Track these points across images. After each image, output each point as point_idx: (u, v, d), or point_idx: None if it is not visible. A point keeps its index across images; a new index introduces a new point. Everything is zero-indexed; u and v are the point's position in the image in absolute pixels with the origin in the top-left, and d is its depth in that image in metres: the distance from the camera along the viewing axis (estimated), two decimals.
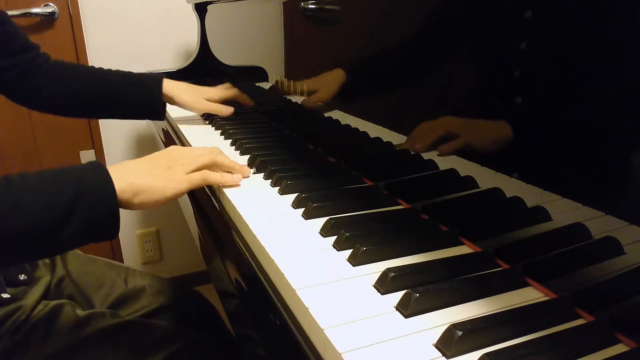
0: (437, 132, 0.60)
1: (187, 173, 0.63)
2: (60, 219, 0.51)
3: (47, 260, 0.86)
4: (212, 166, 0.67)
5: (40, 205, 0.51)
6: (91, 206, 0.53)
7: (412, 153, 0.63)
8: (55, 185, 0.53)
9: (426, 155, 0.62)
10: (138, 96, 0.98)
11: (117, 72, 1.01)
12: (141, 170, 0.61)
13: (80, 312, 0.76)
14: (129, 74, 1.01)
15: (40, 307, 0.74)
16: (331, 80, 0.79)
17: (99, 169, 0.56)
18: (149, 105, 0.99)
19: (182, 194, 0.63)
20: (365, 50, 0.75)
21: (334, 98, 0.80)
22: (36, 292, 0.76)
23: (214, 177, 0.66)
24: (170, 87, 1.00)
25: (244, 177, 0.70)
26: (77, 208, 0.52)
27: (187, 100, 1.01)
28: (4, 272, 0.75)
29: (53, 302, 0.76)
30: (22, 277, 0.77)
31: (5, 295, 0.72)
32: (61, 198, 0.52)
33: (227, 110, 1.03)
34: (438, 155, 0.60)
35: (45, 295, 0.78)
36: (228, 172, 0.68)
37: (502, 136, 0.52)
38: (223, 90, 1.08)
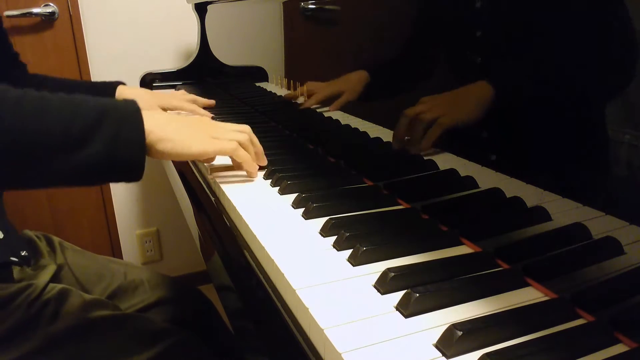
0: (419, 116, 0.59)
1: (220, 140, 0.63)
2: (85, 130, 0.49)
3: (49, 248, 0.88)
4: (243, 146, 0.65)
5: (67, 113, 0.49)
6: (118, 125, 0.51)
7: (412, 153, 0.63)
8: (86, 100, 0.52)
9: (426, 155, 0.62)
10: None
11: (76, 82, 1.02)
12: (174, 120, 0.60)
13: (86, 297, 0.78)
14: (85, 82, 1.02)
15: (48, 288, 0.76)
16: (356, 81, 0.77)
17: (131, 103, 0.55)
18: None
19: (206, 154, 0.62)
20: (364, 50, 0.75)
21: (359, 100, 0.77)
22: (46, 275, 0.77)
23: (243, 154, 0.64)
24: (124, 93, 0.99)
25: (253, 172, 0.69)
26: (104, 123, 0.50)
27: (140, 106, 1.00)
28: (9, 243, 0.76)
29: (59, 286, 0.78)
30: (23, 253, 0.78)
31: (13, 258, 0.74)
32: (89, 110, 0.50)
33: None
34: (427, 143, 0.60)
35: (53, 280, 0.80)
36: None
37: (484, 96, 0.51)
38: (181, 101, 1.06)
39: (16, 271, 0.76)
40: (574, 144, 0.44)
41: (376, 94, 0.73)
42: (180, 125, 0.60)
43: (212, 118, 1.06)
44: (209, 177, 0.72)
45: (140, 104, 0.98)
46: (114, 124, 0.51)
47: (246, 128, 0.68)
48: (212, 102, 1.11)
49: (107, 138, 0.51)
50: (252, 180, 0.69)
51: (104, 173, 0.52)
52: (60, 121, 0.49)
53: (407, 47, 0.65)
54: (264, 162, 0.70)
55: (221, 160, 0.72)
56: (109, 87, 0.98)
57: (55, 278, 0.84)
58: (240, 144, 0.64)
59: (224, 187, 0.66)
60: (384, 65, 0.71)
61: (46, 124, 0.48)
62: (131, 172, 0.54)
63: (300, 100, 0.92)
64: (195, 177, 0.79)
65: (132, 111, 0.54)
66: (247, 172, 0.68)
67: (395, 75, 0.69)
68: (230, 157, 0.66)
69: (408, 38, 0.65)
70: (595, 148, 0.42)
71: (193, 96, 1.09)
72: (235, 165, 0.69)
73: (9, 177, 0.50)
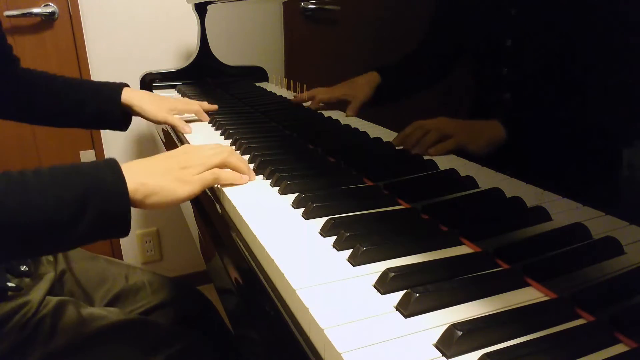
0: (429, 132, 0.60)
1: (200, 173, 0.63)
2: (70, 217, 0.51)
3: (50, 258, 0.86)
4: (223, 166, 0.67)
5: (51, 202, 0.50)
6: (102, 205, 0.53)
7: (412, 153, 0.63)
8: (67, 182, 0.52)
9: (426, 155, 0.62)
10: (95, 106, 0.96)
11: (77, 80, 1.00)
12: (155, 171, 0.60)
13: (83, 311, 0.76)
14: (88, 82, 1.00)
15: (45, 302, 0.74)
16: (365, 83, 0.75)
17: (113, 168, 0.56)
18: (106, 114, 0.97)
19: (195, 195, 0.63)
20: (364, 49, 0.75)
21: (371, 103, 0.76)
22: (43, 287, 0.76)
23: (225, 175, 0.66)
24: (129, 95, 0.98)
25: (249, 181, 0.69)
26: (89, 206, 0.52)
27: (146, 109, 0.98)
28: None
29: (56, 299, 0.76)
30: (23, 268, 0.77)
31: (10, 284, 0.72)
32: (72, 196, 0.51)
33: (185, 127, 1.00)
34: (429, 155, 0.60)
35: (51, 291, 0.79)
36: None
37: (495, 137, 0.52)
38: (186, 104, 1.07)
39: (15, 281, 0.75)
40: (574, 144, 0.44)
41: (381, 97, 0.72)
42: (162, 169, 0.61)
43: (213, 120, 1.05)
44: None
45: (143, 107, 0.98)
46: (99, 204, 0.52)
47: (225, 148, 0.68)
48: (215, 107, 1.11)
49: (94, 219, 0.52)
50: (253, 180, 0.69)
51: (89, 242, 0.55)
52: (46, 212, 0.50)
53: (408, 46, 0.65)
54: (253, 177, 0.70)
55: None
56: (114, 91, 0.98)
57: (57, 284, 0.84)
58: (217, 166, 0.65)
59: (224, 187, 0.66)
60: (384, 65, 0.71)
61: (31, 219, 0.49)
62: (119, 234, 0.56)
63: (308, 104, 0.91)
64: None
65: (115, 186, 0.54)
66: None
67: (395, 75, 0.69)
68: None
69: (408, 37, 0.65)
70: (596, 148, 0.42)
71: (197, 106, 1.08)
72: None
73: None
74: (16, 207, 0.49)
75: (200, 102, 1.09)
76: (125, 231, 0.55)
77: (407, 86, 0.67)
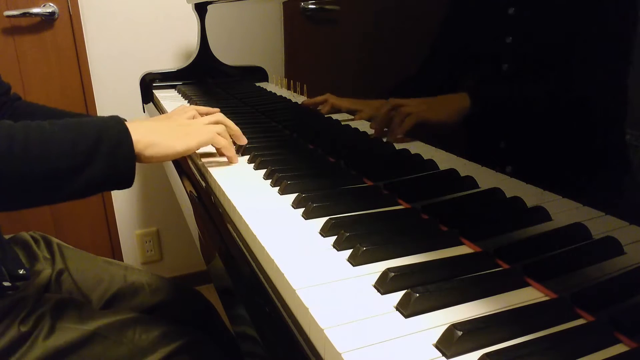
0: (394, 110, 0.62)
1: (198, 130, 0.70)
2: (83, 160, 0.58)
3: (47, 255, 0.86)
4: (218, 123, 0.74)
5: (67, 148, 0.57)
6: (111, 150, 0.59)
7: (412, 153, 0.63)
8: (80, 131, 0.59)
9: (426, 155, 0.62)
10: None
11: (76, 116, 0.98)
12: (155, 127, 0.67)
13: (82, 310, 0.76)
14: (87, 118, 0.99)
15: (44, 299, 0.74)
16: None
17: (118, 121, 0.63)
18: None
19: (191, 150, 0.69)
20: (364, 49, 0.75)
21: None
22: (38, 283, 0.76)
23: (220, 140, 0.72)
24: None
25: (241, 143, 0.79)
26: (99, 150, 0.58)
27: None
28: (4, 263, 0.75)
29: (56, 297, 0.76)
30: (21, 271, 0.77)
31: (6, 283, 0.72)
32: (85, 141, 0.58)
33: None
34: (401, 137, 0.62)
35: (47, 289, 0.79)
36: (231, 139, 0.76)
37: (462, 108, 0.53)
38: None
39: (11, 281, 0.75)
40: (575, 144, 0.44)
41: (377, 91, 0.72)
42: (161, 128, 0.68)
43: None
44: (210, 177, 0.72)
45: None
46: (111, 144, 0.60)
47: (219, 116, 0.76)
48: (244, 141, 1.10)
49: (107, 157, 0.59)
50: (252, 180, 0.69)
51: (102, 185, 0.61)
52: (62, 156, 0.57)
53: (407, 46, 0.65)
54: (244, 141, 0.79)
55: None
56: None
57: (54, 284, 0.84)
58: (217, 122, 0.74)
59: (224, 187, 0.66)
60: (383, 65, 0.71)
61: (50, 162, 0.56)
62: (126, 181, 0.62)
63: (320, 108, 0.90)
64: (196, 177, 0.79)
65: (121, 134, 0.61)
66: (227, 157, 0.75)
67: (394, 74, 0.69)
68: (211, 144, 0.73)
69: (408, 37, 0.65)
70: (596, 148, 0.42)
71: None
72: (217, 151, 0.76)
73: (24, 201, 0.59)
74: (37, 154, 0.55)
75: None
76: (130, 179, 0.62)
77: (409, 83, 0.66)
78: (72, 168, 0.57)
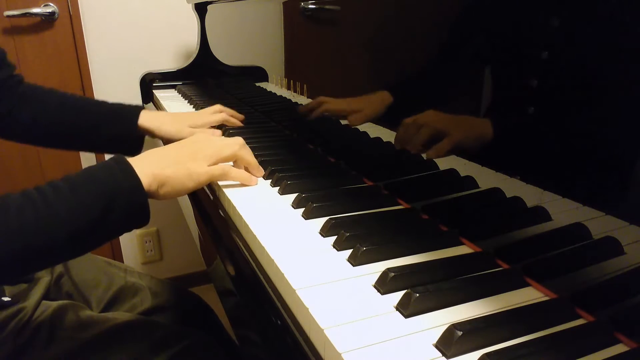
0: (421, 132, 0.60)
1: (210, 165, 0.64)
2: (97, 221, 0.54)
3: None
4: (233, 158, 0.68)
5: (79, 213, 0.53)
6: (124, 204, 0.55)
7: (412, 153, 0.63)
8: (88, 190, 0.54)
9: (425, 155, 0.62)
10: (112, 130, 0.92)
11: (92, 101, 0.95)
12: (165, 162, 0.62)
13: (82, 314, 0.76)
14: (104, 104, 0.95)
15: (41, 308, 0.74)
16: (379, 103, 0.74)
17: (124, 167, 0.57)
18: (123, 141, 0.93)
19: (202, 185, 0.64)
20: (364, 49, 0.75)
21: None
22: (37, 292, 0.75)
23: (234, 173, 0.66)
24: (148, 119, 0.93)
25: (258, 177, 0.70)
26: (112, 209, 0.54)
27: (168, 131, 0.94)
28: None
29: (55, 304, 0.75)
30: (5, 299, 0.76)
31: (6, 299, 0.71)
32: (96, 202, 0.54)
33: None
34: (428, 157, 0.60)
35: (46, 296, 0.78)
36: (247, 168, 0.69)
37: (485, 133, 0.52)
38: (210, 115, 0.99)
39: (9, 287, 0.75)
40: (575, 144, 0.44)
41: (390, 114, 0.71)
42: (172, 159, 0.62)
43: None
44: None
45: (164, 129, 0.94)
46: (121, 206, 0.55)
47: (236, 140, 0.68)
48: (241, 117, 1.03)
49: (118, 219, 0.55)
50: (260, 176, 0.69)
51: (115, 237, 0.58)
52: (74, 222, 0.53)
53: (407, 45, 0.65)
54: (260, 174, 0.70)
55: None
56: (131, 113, 0.93)
57: (53, 287, 0.83)
58: (227, 159, 0.67)
59: (224, 187, 0.66)
60: (383, 65, 0.71)
61: (63, 231, 0.52)
62: (141, 224, 0.59)
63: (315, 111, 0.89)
64: None
65: (132, 185, 0.56)
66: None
67: (394, 73, 0.69)
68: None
69: (408, 37, 0.65)
70: (596, 148, 0.42)
71: (223, 114, 1.00)
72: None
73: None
74: (48, 222, 0.51)
75: (224, 109, 1.01)
76: (146, 220, 0.59)
77: (417, 99, 0.65)
78: (86, 232, 0.54)
